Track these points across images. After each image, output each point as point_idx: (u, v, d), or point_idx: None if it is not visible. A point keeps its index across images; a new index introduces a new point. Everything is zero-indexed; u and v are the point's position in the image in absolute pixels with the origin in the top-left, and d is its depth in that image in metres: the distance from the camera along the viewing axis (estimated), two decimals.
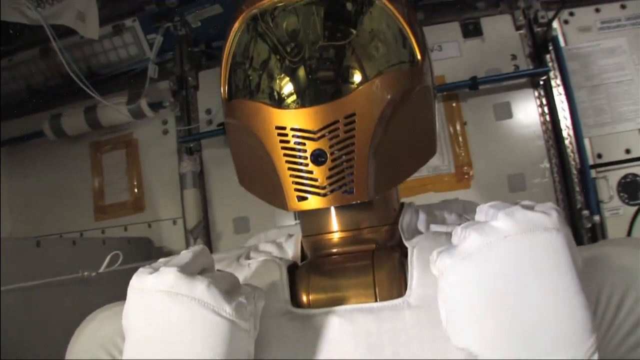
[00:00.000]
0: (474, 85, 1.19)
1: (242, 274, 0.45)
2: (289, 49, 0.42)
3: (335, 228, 0.45)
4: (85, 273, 0.88)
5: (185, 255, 0.37)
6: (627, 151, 1.23)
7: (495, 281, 0.31)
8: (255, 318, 0.37)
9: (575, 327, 0.31)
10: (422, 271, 0.40)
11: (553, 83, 1.22)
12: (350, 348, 0.38)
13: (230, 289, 0.36)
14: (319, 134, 0.39)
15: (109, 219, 1.36)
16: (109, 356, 0.43)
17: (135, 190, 1.35)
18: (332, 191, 0.40)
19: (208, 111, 1.30)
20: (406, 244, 0.43)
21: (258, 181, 0.46)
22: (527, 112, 1.23)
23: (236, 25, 0.45)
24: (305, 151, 0.39)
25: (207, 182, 1.27)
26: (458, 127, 1.25)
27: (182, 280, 0.34)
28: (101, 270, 0.87)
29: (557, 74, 1.23)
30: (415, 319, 0.38)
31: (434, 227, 0.47)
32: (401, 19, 0.44)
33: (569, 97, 1.21)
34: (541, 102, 1.24)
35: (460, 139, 1.26)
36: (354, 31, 0.43)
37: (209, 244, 1.24)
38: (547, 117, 1.23)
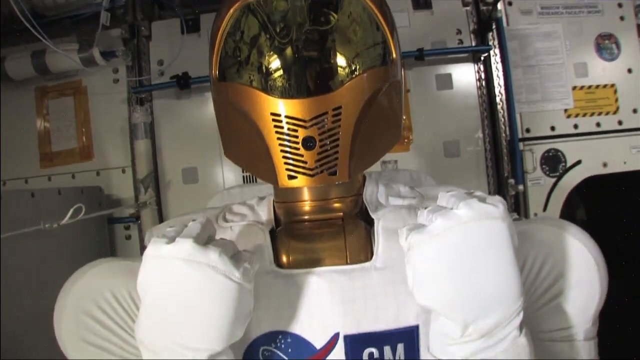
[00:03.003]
0: (420, 56, 1.26)
1: (227, 236, 0.49)
2: (285, 42, 0.47)
3: (307, 197, 0.52)
4: (47, 225, 0.88)
5: (195, 226, 0.42)
6: (552, 128, 1.36)
7: (455, 256, 0.39)
8: (253, 279, 0.42)
9: (510, 291, 0.40)
10: (386, 239, 0.48)
11: (493, 60, 1.31)
12: (327, 301, 0.46)
13: (234, 255, 0.42)
14: (310, 123, 0.45)
15: (55, 166, 1.34)
16: (100, 311, 0.47)
17: (84, 138, 1.33)
18: (319, 172, 0.46)
19: (160, 62, 1.29)
20: (372, 215, 0.50)
21: (247, 156, 0.51)
22: (466, 84, 1.31)
23: (231, 10, 0.48)
24: (297, 137, 0.45)
25: (157, 133, 1.28)
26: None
27: (197, 249, 0.39)
28: (64, 221, 0.87)
29: (497, 51, 1.32)
30: (381, 278, 0.46)
31: (392, 200, 0.54)
32: (382, 20, 0.50)
33: (505, 74, 1.31)
34: (480, 77, 1.33)
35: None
36: (343, 31, 0.48)
37: (158, 193, 1.26)
38: (484, 91, 1.32)
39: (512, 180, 1.29)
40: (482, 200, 0.41)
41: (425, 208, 0.43)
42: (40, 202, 1.00)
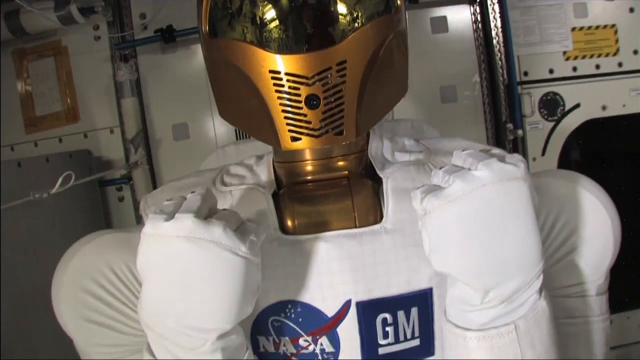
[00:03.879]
0: None
1: (227, 202, 0.47)
2: None
3: (309, 157, 0.48)
4: (37, 195, 0.83)
5: (195, 199, 0.38)
6: (551, 71, 1.32)
7: (474, 221, 0.37)
8: (260, 252, 0.39)
9: (531, 255, 0.38)
10: (396, 200, 0.45)
11: (489, 1, 1.27)
12: (337, 268, 0.43)
13: (239, 227, 0.39)
14: (312, 80, 0.41)
15: (41, 130, 1.30)
16: (99, 287, 0.44)
17: (68, 100, 1.29)
18: (324, 132, 0.42)
19: (142, 15, 1.24)
20: (380, 174, 0.47)
21: (244, 117, 0.48)
22: (462, 27, 1.27)
23: None
24: (299, 95, 0.41)
25: (144, 90, 1.23)
26: None
27: (199, 225, 0.36)
28: (54, 191, 0.83)
29: None
30: (392, 242, 0.44)
31: (398, 156, 0.51)
32: None
33: (503, 16, 1.26)
34: (476, 19, 1.28)
35: None
36: None
37: (149, 152, 1.23)
38: (481, 34, 1.28)
39: (510, 125, 1.27)
40: (502, 159, 0.38)
41: (440, 168, 0.40)
42: (27, 171, 0.97)
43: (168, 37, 1.19)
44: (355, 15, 0.44)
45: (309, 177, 0.49)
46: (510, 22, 1.27)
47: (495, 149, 0.41)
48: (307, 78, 0.41)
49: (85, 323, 0.44)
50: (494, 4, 1.27)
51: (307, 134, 0.42)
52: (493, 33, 1.27)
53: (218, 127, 1.23)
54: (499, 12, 1.27)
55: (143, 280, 0.38)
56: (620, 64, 1.33)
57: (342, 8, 0.43)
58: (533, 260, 0.38)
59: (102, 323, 0.44)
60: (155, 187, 1.25)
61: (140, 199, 1.21)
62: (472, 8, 1.28)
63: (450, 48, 1.26)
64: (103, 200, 1.27)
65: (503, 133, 1.27)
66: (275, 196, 0.47)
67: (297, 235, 0.45)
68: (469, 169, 0.38)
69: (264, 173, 0.51)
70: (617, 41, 1.33)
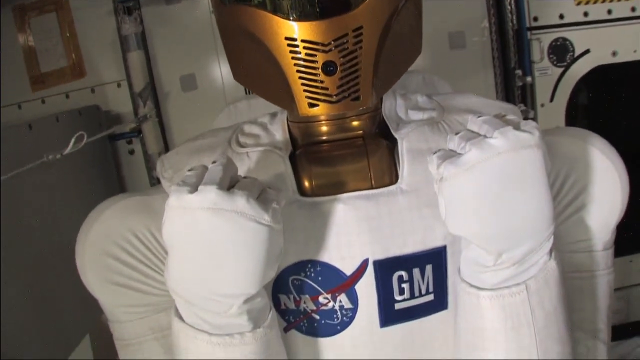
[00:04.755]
0: None
1: (244, 165, 0.47)
2: None
3: (323, 117, 0.48)
4: (50, 156, 0.82)
5: (216, 170, 0.39)
6: (561, 16, 1.30)
7: (490, 188, 0.38)
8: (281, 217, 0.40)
9: (544, 220, 0.40)
10: (411, 161, 0.46)
11: None
12: (354, 229, 0.45)
13: (261, 194, 0.40)
14: (329, 47, 0.41)
15: (47, 87, 1.29)
16: (122, 251, 0.46)
17: (73, 55, 1.27)
18: (342, 99, 0.43)
19: None
20: (395, 135, 0.48)
21: (260, 81, 0.48)
22: None
23: None
24: (316, 62, 0.41)
25: (149, 42, 1.22)
26: None
27: (223, 196, 0.36)
28: (67, 151, 0.82)
29: None
30: (407, 202, 0.45)
31: (412, 114, 0.51)
32: None
33: None
34: None
35: None
36: None
37: (157, 104, 1.23)
38: None
39: (519, 71, 1.26)
40: (517, 126, 0.39)
41: (456, 133, 0.41)
42: (38, 133, 0.96)
43: None
44: None
45: (324, 137, 0.49)
46: None
47: (510, 115, 0.42)
48: (323, 45, 0.41)
49: (110, 286, 0.46)
50: None
51: (324, 100, 0.43)
52: None
53: (226, 77, 1.22)
54: None
55: (169, 250, 0.40)
56: (633, 9, 1.30)
57: None
58: (544, 224, 0.40)
59: (127, 285, 0.46)
60: (165, 139, 1.26)
61: (150, 151, 1.23)
62: None
63: None
64: (114, 154, 1.28)
65: (512, 79, 1.27)
66: (292, 157, 0.48)
67: (315, 197, 0.46)
68: (485, 137, 0.39)
69: (279, 132, 0.51)
70: None
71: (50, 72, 1.29)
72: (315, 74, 0.42)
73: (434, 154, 0.41)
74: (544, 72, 1.30)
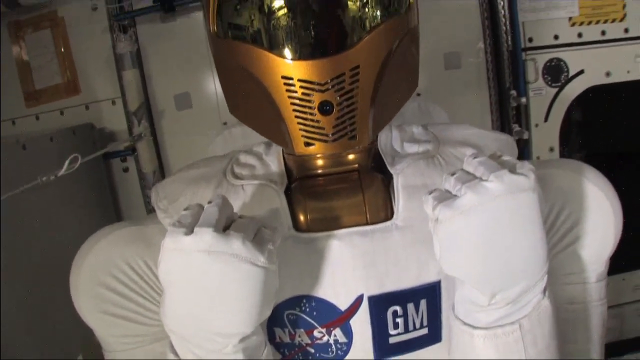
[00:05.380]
0: None
1: (240, 198, 0.47)
2: None
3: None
4: (44, 178, 0.82)
5: (212, 211, 0.38)
6: (556, 37, 1.31)
7: (485, 233, 0.38)
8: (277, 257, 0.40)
9: (538, 260, 0.40)
10: (407, 197, 0.46)
11: None
12: (350, 265, 0.45)
13: (257, 235, 0.40)
14: (325, 86, 0.41)
15: (42, 104, 1.29)
16: (116, 281, 0.46)
17: (68, 72, 1.27)
18: (338, 138, 0.43)
19: None
20: (390, 170, 0.48)
21: (256, 118, 0.48)
22: None
23: None
24: (312, 102, 0.41)
25: (144, 60, 1.21)
26: None
27: (219, 239, 0.36)
28: (61, 173, 0.82)
29: None
30: (402, 238, 0.45)
31: (407, 147, 0.51)
32: None
33: None
34: None
35: None
36: None
37: (152, 123, 1.23)
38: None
39: (514, 92, 1.26)
40: (512, 168, 0.39)
41: (452, 174, 0.41)
42: (33, 153, 0.96)
43: (168, 6, 1.17)
44: (367, 18, 0.43)
45: (319, 171, 0.49)
46: None
47: (505, 157, 0.42)
48: (320, 84, 0.41)
49: (104, 316, 0.46)
50: None
51: (320, 140, 0.43)
52: None
53: (221, 96, 1.20)
54: None
55: (165, 289, 0.40)
56: (626, 30, 1.31)
57: (354, 11, 0.42)
58: (539, 265, 0.40)
59: (121, 315, 0.46)
60: (159, 157, 1.26)
61: (145, 170, 1.22)
62: None
63: (455, 14, 1.24)
64: (108, 172, 1.27)
65: (507, 100, 1.27)
66: (287, 189, 0.48)
67: (310, 233, 0.46)
68: (480, 179, 0.39)
69: (274, 163, 0.51)
70: (624, 7, 1.31)
71: (45, 88, 1.29)
72: (311, 114, 0.42)
73: (430, 194, 0.41)
74: (538, 93, 1.30)
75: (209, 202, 0.40)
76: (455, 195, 0.39)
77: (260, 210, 0.46)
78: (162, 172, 1.25)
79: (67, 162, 0.82)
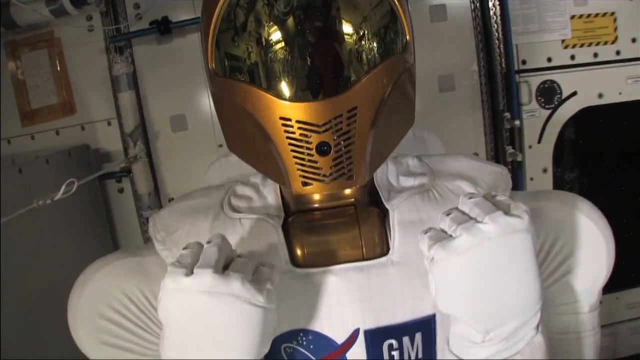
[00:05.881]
0: None
1: (237, 232, 0.47)
2: (293, 35, 0.42)
3: None
4: (40, 202, 0.82)
5: (212, 251, 0.39)
6: (549, 59, 1.32)
7: (479, 273, 0.39)
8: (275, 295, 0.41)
9: (532, 298, 0.41)
10: (403, 233, 0.47)
11: None
12: (346, 300, 0.45)
13: (255, 274, 0.40)
14: (323, 127, 0.41)
15: (37, 124, 1.29)
16: (115, 312, 0.46)
17: (64, 92, 1.27)
18: (335, 178, 0.43)
19: (136, 5, 1.21)
20: (386, 205, 0.48)
21: (254, 155, 0.48)
22: (461, 15, 1.26)
23: None
24: (310, 143, 0.42)
25: (140, 81, 1.22)
26: None
27: (218, 280, 0.37)
28: (57, 197, 0.82)
29: None
30: (398, 274, 0.46)
31: (403, 180, 0.52)
32: (396, 3, 0.45)
33: (502, 4, 1.25)
34: (475, 7, 1.27)
35: None
36: (353, 21, 0.43)
37: (147, 144, 1.23)
38: (480, 22, 1.27)
39: (507, 114, 1.27)
40: (507, 209, 0.40)
41: (448, 214, 0.41)
42: (29, 176, 0.96)
43: (164, 29, 1.17)
44: (364, 59, 0.43)
45: (316, 205, 0.50)
46: (509, 10, 1.25)
47: (500, 196, 0.42)
48: (318, 126, 0.41)
49: (103, 346, 0.47)
50: None
51: (318, 180, 0.43)
52: (492, 22, 1.26)
53: (216, 118, 1.22)
54: (499, 1, 1.25)
55: (165, 326, 0.40)
56: (618, 52, 1.33)
57: (351, 53, 0.43)
58: (532, 302, 0.41)
59: (119, 346, 0.47)
60: (155, 179, 1.26)
61: (140, 192, 1.22)
62: None
63: (449, 37, 1.25)
64: (103, 192, 1.27)
65: (500, 122, 1.28)
66: (284, 222, 0.48)
67: (307, 269, 0.46)
68: (475, 220, 0.39)
69: (271, 195, 0.51)
70: (615, 29, 1.33)
71: (41, 108, 1.29)
72: (309, 154, 0.42)
73: (425, 233, 0.41)
74: (532, 114, 1.32)
75: (208, 242, 0.40)
76: (451, 236, 0.40)
77: (258, 245, 0.46)
78: (157, 194, 1.25)
79: (63, 187, 0.82)
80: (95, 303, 0.46)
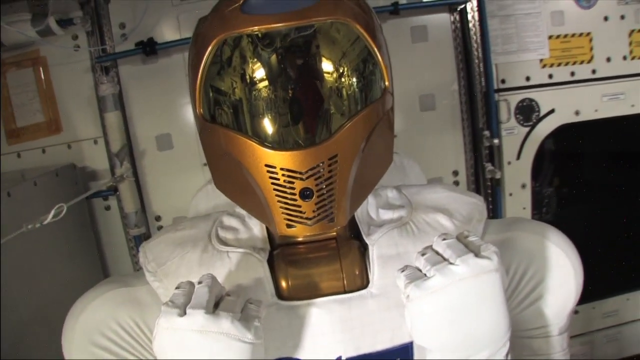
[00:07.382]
0: (395, 10, 1.22)
1: (225, 266, 0.50)
2: (278, 87, 0.45)
3: None
4: (30, 226, 0.83)
5: (203, 292, 0.42)
6: (527, 78, 1.36)
7: (451, 310, 0.42)
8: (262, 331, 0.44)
9: (501, 330, 0.44)
10: (382, 267, 0.50)
11: (469, 9, 1.28)
12: (329, 330, 0.49)
13: (244, 311, 0.43)
14: (306, 175, 0.44)
15: (23, 142, 1.29)
16: (108, 341, 0.49)
17: (50, 111, 1.28)
18: (318, 221, 0.46)
19: (122, 25, 1.22)
20: (366, 240, 0.51)
21: (240, 196, 0.51)
22: (441, 36, 1.29)
23: (210, 47, 0.46)
24: (293, 189, 0.45)
25: (125, 101, 1.23)
26: None
27: (210, 320, 0.41)
28: (47, 221, 0.83)
29: (474, 0, 1.28)
30: (377, 305, 0.49)
31: (382, 213, 0.55)
32: (376, 50, 0.47)
33: (482, 25, 1.28)
34: (456, 27, 1.30)
35: None
36: (334, 74, 0.46)
37: (133, 163, 1.24)
38: (460, 43, 1.30)
39: (487, 132, 1.31)
40: (477, 251, 0.43)
41: (422, 254, 0.44)
42: (17, 199, 0.97)
43: (149, 50, 1.19)
44: (346, 107, 0.46)
45: (300, 239, 0.53)
46: (489, 31, 1.29)
47: (472, 237, 0.46)
48: (301, 173, 0.44)
49: None
50: (473, 13, 1.28)
51: (301, 222, 0.46)
52: (472, 42, 1.29)
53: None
54: (479, 21, 1.28)
55: None
56: (594, 71, 1.37)
57: (333, 102, 0.46)
58: (501, 334, 0.44)
59: None
60: (141, 197, 1.27)
61: (127, 210, 1.24)
62: (452, 17, 1.30)
63: (430, 57, 1.28)
64: (90, 209, 1.28)
65: (479, 140, 1.32)
66: (269, 255, 0.51)
67: (292, 301, 0.49)
68: (448, 262, 0.43)
69: (257, 227, 0.54)
70: (591, 49, 1.37)
71: (27, 126, 1.29)
72: (293, 199, 0.45)
73: (402, 272, 0.45)
74: (510, 132, 1.36)
75: (199, 282, 0.44)
76: (425, 275, 0.43)
77: (245, 278, 0.49)
78: (144, 212, 1.27)
79: (52, 212, 0.83)
80: (89, 332, 0.49)
